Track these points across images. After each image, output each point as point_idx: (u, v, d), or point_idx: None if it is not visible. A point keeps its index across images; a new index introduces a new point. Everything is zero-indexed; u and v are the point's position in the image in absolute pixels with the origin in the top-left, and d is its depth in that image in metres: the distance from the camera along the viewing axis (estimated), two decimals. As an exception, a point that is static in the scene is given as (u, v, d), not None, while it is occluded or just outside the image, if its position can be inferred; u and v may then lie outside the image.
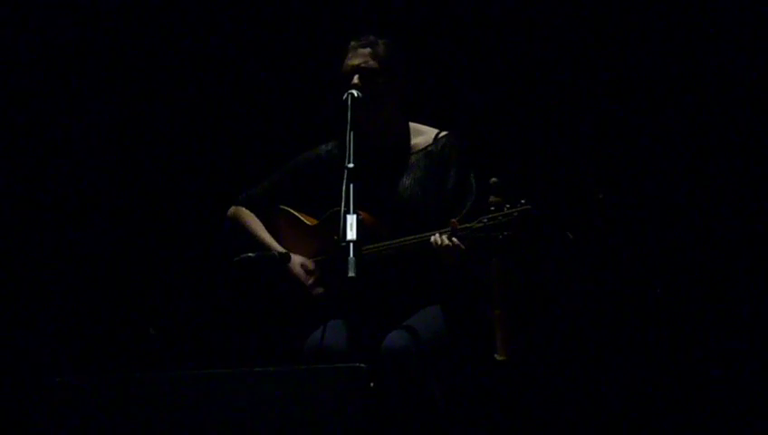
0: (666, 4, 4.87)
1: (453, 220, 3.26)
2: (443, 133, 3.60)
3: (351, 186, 3.17)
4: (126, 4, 5.09)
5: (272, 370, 2.90)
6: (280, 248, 3.59)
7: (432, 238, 3.27)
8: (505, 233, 3.22)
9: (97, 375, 3.06)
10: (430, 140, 3.59)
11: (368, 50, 3.52)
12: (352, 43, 3.55)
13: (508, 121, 5.15)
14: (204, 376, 2.94)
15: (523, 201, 3.24)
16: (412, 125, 3.65)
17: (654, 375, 4.39)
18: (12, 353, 4.82)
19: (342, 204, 3.14)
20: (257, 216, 3.69)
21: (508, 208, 3.23)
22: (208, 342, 4.92)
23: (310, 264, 3.57)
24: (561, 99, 5.01)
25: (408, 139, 3.62)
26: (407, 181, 3.54)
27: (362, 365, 2.86)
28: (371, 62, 3.50)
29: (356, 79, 3.48)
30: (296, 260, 3.57)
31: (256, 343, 3.80)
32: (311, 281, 3.55)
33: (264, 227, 3.67)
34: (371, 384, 3.07)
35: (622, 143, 4.94)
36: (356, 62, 3.51)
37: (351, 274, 3.00)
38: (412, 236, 3.34)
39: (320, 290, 3.55)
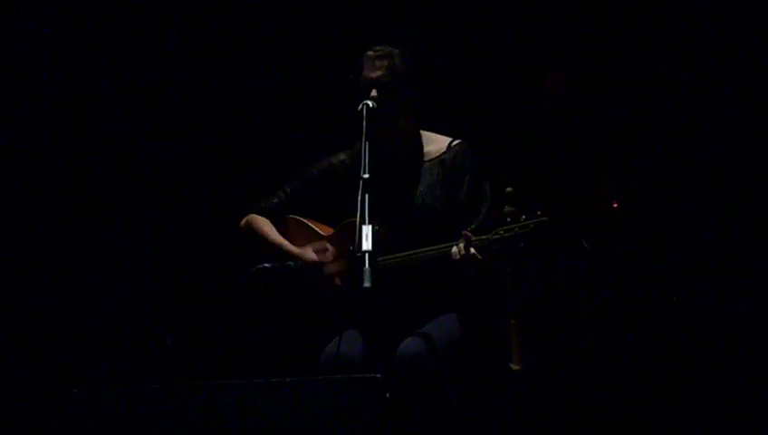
0: (679, 16, 4.88)
1: (465, 232, 3.26)
2: (456, 142, 3.60)
3: (367, 196, 3.18)
4: (149, 22, 5.12)
5: (288, 380, 2.90)
6: (294, 250, 3.59)
7: (453, 249, 3.27)
8: (522, 244, 3.22)
9: (115, 386, 3.07)
10: (443, 149, 3.59)
11: (385, 62, 3.51)
12: (369, 54, 3.54)
13: (522, 130, 5.16)
14: (220, 387, 2.95)
15: (539, 212, 3.23)
16: (424, 133, 3.65)
17: (670, 385, 4.38)
18: (31, 365, 4.83)
19: (358, 214, 3.14)
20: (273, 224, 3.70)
21: (524, 220, 3.23)
22: (225, 352, 4.93)
23: (327, 245, 3.57)
24: (576, 108, 5.01)
25: (421, 147, 3.61)
26: (420, 190, 3.54)
27: (378, 376, 2.86)
28: (388, 75, 3.49)
29: (374, 92, 3.48)
30: (309, 247, 3.57)
31: (273, 354, 3.80)
32: (327, 257, 3.54)
33: (276, 231, 3.67)
34: (387, 395, 3.08)
35: (637, 153, 4.94)
36: (373, 74, 3.50)
37: (367, 284, 3.00)
38: (429, 248, 3.34)
39: (336, 268, 3.54)
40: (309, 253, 3.56)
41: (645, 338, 4.63)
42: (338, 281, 3.54)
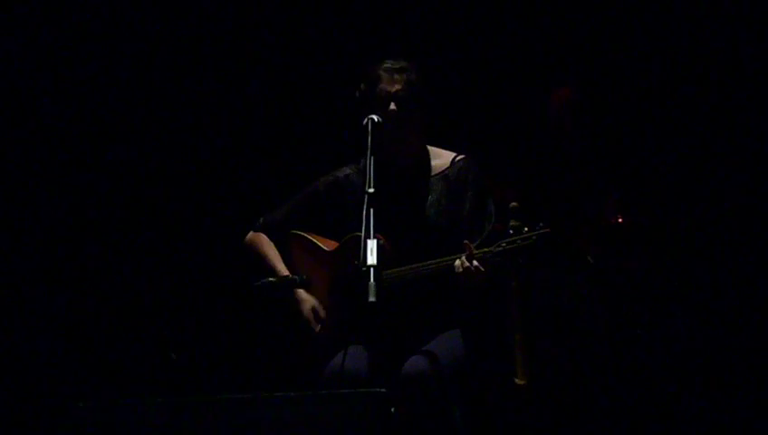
0: (685, 29, 4.89)
1: (466, 242, 3.26)
2: (459, 157, 3.60)
3: (372, 211, 3.17)
4: (155, 29, 5.13)
5: (293, 395, 2.90)
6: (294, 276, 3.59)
7: (456, 262, 3.27)
8: (524, 257, 3.22)
9: (119, 400, 3.06)
10: (447, 164, 3.59)
11: (404, 76, 3.50)
12: (386, 66, 3.52)
13: (527, 145, 5.16)
14: (225, 401, 2.94)
15: (541, 224, 3.24)
16: (430, 148, 3.65)
17: (675, 398, 4.37)
18: (34, 379, 4.83)
19: (363, 229, 3.14)
20: (275, 241, 3.69)
21: (527, 232, 3.23)
22: (229, 367, 4.93)
23: (321, 311, 3.57)
24: (581, 123, 5.01)
25: (428, 162, 3.62)
26: (426, 204, 3.54)
27: (383, 390, 2.85)
28: (407, 90, 3.49)
29: (393, 106, 3.47)
30: (308, 303, 3.57)
31: (277, 368, 3.80)
32: (318, 329, 3.55)
33: (279, 256, 3.66)
34: (392, 409, 3.07)
35: (642, 167, 4.94)
36: (393, 88, 3.49)
37: (372, 299, 3.00)
38: (432, 261, 3.34)
39: (326, 335, 3.54)
40: (306, 309, 3.56)
41: (649, 352, 4.62)
42: (325, 335, 3.54)
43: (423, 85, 3.52)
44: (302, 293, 3.57)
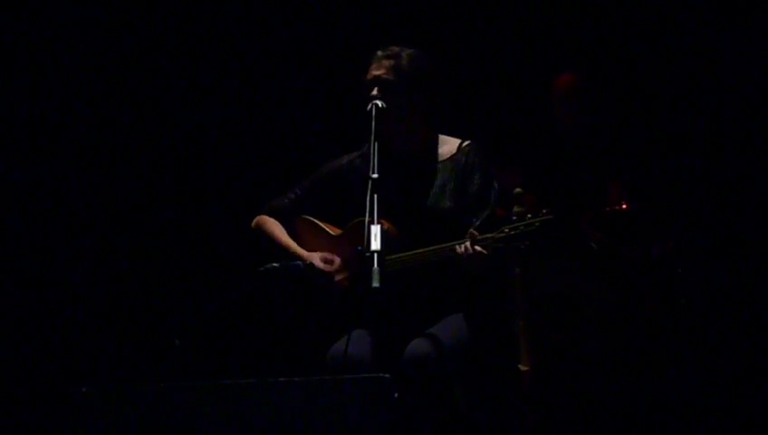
0: (689, 17, 4.88)
1: (471, 230, 3.26)
2: (466, 143, 3.61)
3: (375, 196, 3.17)
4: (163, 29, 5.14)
5: (297, 380, 2.90)
6: (304, 253, 3.59)
7: (459, 248, 3.27)
8: (527, 242, 3.22)
9: (122, 386, 3.07)
10: (454, 150, 3.60)
11: (391, 61, 3.51)
12: (378, 53, 3.55)
13: (532, 132, 5.16)
14: (228, 387, 2.95)
15: (544, 211, 3.24)
16: (441, 137, 3.65)
17: (678, 385, 4.37)
18: (37, 364, 4.84)
19: (367, 214, 3.14)
20: (282, 225, 3.70)
21: (530, 218, 3.23)
22: (233, 352, 4.94)
23: (328, 255, 3.57)
24: (586, 109, 5.00)
25: (435, 149, 3.62)
26: (432, 190, 3.54)
27: (387, 375, 2.86)
28: (391, 75, 3.50)
29: (375, 90, 3.48)
30: (315, 254, 3.57)
31: (281, 353, 3.80)
32: (333, 268, 3.55)
33: (287, 233, 3.67)
34: (396, 395, 3.07)
35: (646, 154, 4.94)
36: (376, 73, 3.51)
37: (376, 284, 3.01)
38: (435, 247, 3.34)
39: (343, 276, 3.54)
40: (316, 261, 3.56)
41: (653, 339, 4.62)
42: (343, 276, 3.54)
43: (416, 72, 3.51)
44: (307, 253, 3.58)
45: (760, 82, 4.89)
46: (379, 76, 3.50)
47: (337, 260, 3.56)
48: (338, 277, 3.55)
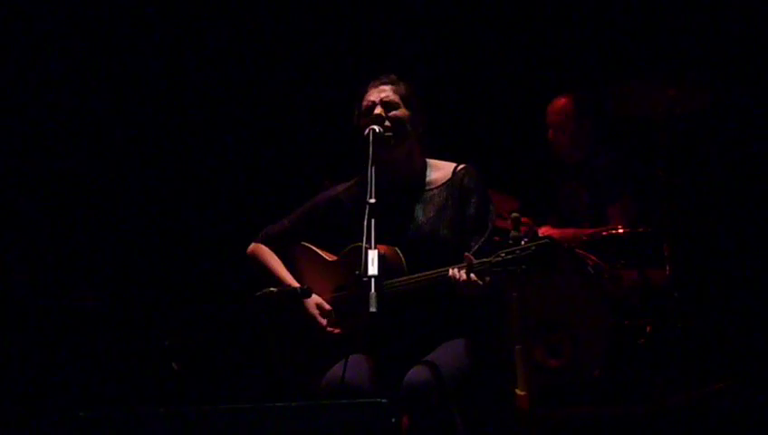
0: (683, 39, 4.91)
1: (467, 254, 3.27)
2: (461, 167, 3.61)
3: (373, 221, 3.18)
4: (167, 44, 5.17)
5: (294, 405, 2.90)
6: (298, 285, 3.60)
7: (450, 272, 3.28)
8: (523, 267, 3.23)
9: (120, 410, 3.07)
10: (449, 175, 3.60)
11: (389, 86, 3.55)
12: (373, 82, 3.58)
13: (526, 155, 5.19)
14: (226, 411, 2.94)
15: (541, 235, 3.25)
16: (431, 161, 3.67)
17: (674, 409, 4.37)
18: (36, 388, 4.84)
19: (364, 239, 3.15)
20: (277, 253, 3.71)
21: (526, 242, 3.24)
22: (231, 377, 4.94)
23: (325, 305, 3.58)
24: (581, 133, 5.02)
25: (425, 174, 3.62)
26: (425, 215, 3.55)
27: (384, 401, 2.86)
28: (393, 96, 3.53)
29: (378, 109, 3.50)
30: (312, 301, 3.58)
31: (278, 379, 3.80)
32: (325, 322, 3.56)
33: (282, 264, 3.68)
34: (393, 420, 3.07)
35: (643, 177, 4.96)
36: (379, 96, 3.53)
37: (373, 309, 3.01)
38: (432, 271, 3.35)
39: (335, 330, 3.55)
40: (312, 307, 3.57)
41: (649, 364, 4.63)
42: (335, 330, 3.55)
43: (413, 97, 3.55)
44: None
45: (757, 108, 4.92)
46: (381, 99, 3.52)
47: (328, 310, 3.57)
48: (327, 331, 3.55)
